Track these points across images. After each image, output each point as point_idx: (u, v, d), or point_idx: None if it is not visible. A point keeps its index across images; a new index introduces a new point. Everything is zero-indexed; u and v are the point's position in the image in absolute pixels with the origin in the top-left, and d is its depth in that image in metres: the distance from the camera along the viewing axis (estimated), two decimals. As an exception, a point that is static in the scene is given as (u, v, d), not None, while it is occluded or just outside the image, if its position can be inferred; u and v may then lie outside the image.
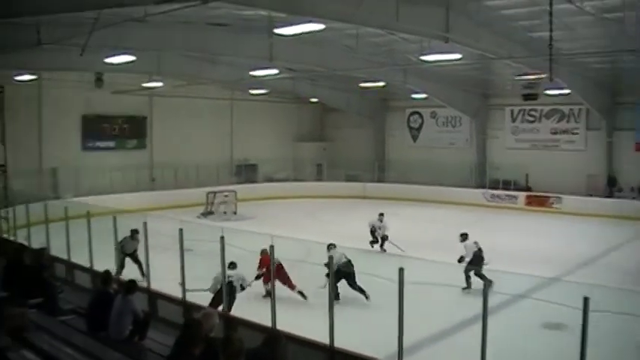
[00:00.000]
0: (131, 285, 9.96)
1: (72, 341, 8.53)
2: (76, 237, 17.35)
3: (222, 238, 12.20)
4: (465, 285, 16.75)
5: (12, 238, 19.62)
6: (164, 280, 13.97)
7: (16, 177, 26.27)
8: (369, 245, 22.88)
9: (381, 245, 23.13)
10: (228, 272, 13.46)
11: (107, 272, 10.68)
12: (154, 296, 13.73)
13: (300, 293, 15.89)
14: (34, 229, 19.08)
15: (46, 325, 9.09)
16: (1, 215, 22.49)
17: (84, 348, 8.34)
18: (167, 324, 12.10)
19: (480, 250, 17.62)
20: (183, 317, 12.18)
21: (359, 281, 15.46)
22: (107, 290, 10.24)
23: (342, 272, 14.99)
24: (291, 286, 15.73)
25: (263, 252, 15.14)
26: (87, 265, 16.04)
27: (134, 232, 17.13)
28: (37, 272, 11.60)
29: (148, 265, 14.05)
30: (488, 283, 14.82)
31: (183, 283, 13.13)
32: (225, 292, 13.01)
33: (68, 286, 14.81)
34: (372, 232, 23.43)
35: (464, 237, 18.18)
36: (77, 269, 16.63)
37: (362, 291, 15.64)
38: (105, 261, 14.22)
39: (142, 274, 15.33)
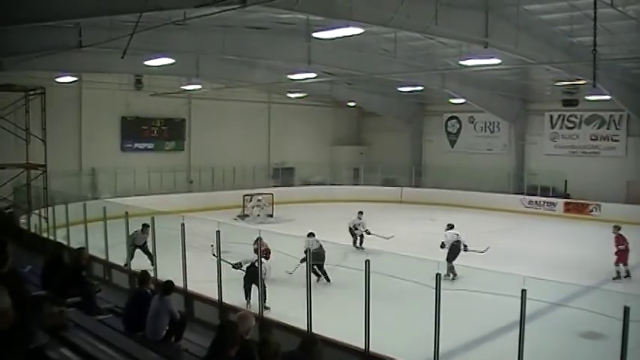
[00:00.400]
0: (168, 286, 10.04)
1: (109, 340, 8.59)
2: (114, 237, 17.55)
3: (259, 239, 12.22)
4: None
5: (51, 238, 19.88)
6: (200, 281, 14.06)
7: (56, 177, 26.59)
8: (353, 246, 23.98)
9: (360, 243, 24.33)
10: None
11: (145, 272, 10.77)
12: (191, 297, 13.81)
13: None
14: (72, 229, 19.32)
15: (83, 324, 9.17)
16: (40, 215, 22.82)
17: (121, 347, 8.39)
18: (203, 325, 12.20)
19: (458, 241, 19.48)
20: (219, 319, 12.26)
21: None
22: (144, 290, 10.33)
23: (314, 255, 15.80)
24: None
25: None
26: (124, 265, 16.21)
27: (145, 225, 18.01)
28: (75, 271, 11.74)
29: (185, 267, 14.13)
30: (451, 276, 18.47)
31: (220, 286, 13.19)
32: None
33: (106, 285, 15.00)
34: (352, 231, 24.46)
35: (449, 227, 20.30)
36: (115, 269, 16.81)
37: (326, 276, 17.69)
38: (141, 261, 14.34)
39: (152, 263, 15.98)
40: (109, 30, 18.32)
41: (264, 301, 13.37)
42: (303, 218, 30.79)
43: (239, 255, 17.44)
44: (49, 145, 24.38)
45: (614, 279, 19.32)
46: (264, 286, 13.61)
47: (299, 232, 17.33)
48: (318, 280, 17.44)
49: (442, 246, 19.60)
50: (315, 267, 17.04)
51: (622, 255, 19.61)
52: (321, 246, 17.54)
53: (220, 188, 35.17)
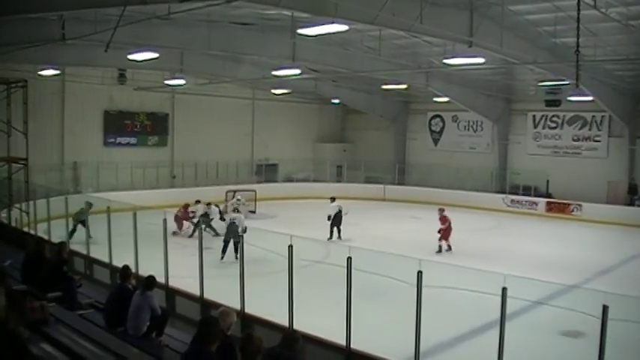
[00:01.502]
0: (150, 281, 10.01)
1: (90, 335, 8.57)
2: (95, 232, 17.48)
3: (241, 236, 12.20)
4: (329, 236, 24.54)
5: (32, 232, 19.77)
6: (182, 277, 14.03)
7: (38, 171, 26.47)
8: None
9: (339, 233, 25.84)
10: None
11: (126, 267, 10.72)
12: (172, 293, 13.77)
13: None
14: (54, 224, 19.22)
15: (65, 318, 9.14)
16: (22, 209, 22.69)
17: (102, 343, 8.38)
18: (185, 320, 12.18)
19: (340, 211, 25.20)
20: (201, 314, 12.24)
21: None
22: (126, 286, 10.29)
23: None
24: None
25: None
26: (106, 260, 16.14)
27: (88, 203, 20.65)
28: (56, 266, 11.68)
29: (166, 262, 14.09)
30: (334, 237, 24.76)
31: (201, 282, 13.17)
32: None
33: (87, 280, 14.93)
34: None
35: (332, 200, 26.08)
36: (96, 264, 16.74)
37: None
38: (124, 256, 14.27)
39: (89, 236, 17.98)
40: (93, 23, 18.21)
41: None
42: (287, 215, 30.82)
43: (220, 250, 17.53)
44: (30, 138, 24.22)
45: (436, 253, 22.45)
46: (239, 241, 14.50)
47: (282, 229, 17.31)
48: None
49: (329, 218, 25.05)
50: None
51: (445, 233, 22.84)
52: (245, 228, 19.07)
53: (204, 184, 35.05)
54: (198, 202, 26.15)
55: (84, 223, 19.54)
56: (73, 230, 19.99)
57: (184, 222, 24.88)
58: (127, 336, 9.41)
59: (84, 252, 17.22)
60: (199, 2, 13.82)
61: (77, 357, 7.72)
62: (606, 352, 7.69)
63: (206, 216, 24.78)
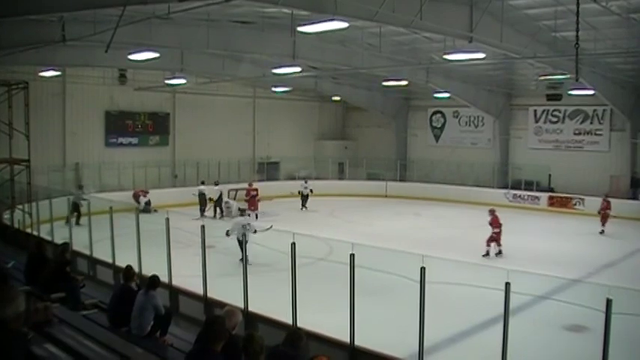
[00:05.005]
0: (153, 280, 10.01)
1: (94, 336, 8.57)
2: (98, 232, 17.49)
3: (243, 235, 12.22)
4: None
5: (35, 233, 19.78)
6: (185, 276, 14.04)
7: (40, 172, 26.49)
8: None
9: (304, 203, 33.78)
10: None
11: (129, 268, 10.72)
12: (176, 292, 13.78)
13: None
14: (56, 225, 19.24)
15: (68, 319, 9.15)
16: (24, 210, 22.70)
17: (106, 343, 8.37)
18: (188, 320, 12.19)
19: (203, 194, 30.14)
20: (205, 313, 12.25)
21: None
22: (129, 286, 10.30)
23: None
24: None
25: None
26: (109, 260, 16.14)
27: (80, 186, 28.46)
28: (59, 267, 11.70)
29: (170, 262, 14.09)
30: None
31: (205, 281, 13.18)
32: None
33: (90, 280, 14.94)
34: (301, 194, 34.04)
35: (202, 182, 30.93)
36: (99, 264, 16.75)
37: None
38: (127, 256, 14.28)
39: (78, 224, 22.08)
40: (93, 24, 18.22)
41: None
42: (289, 213, 30.82)
43: (224, 249, 17.52)
44: (32, 140, 24.21)
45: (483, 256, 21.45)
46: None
47: (285, 227, 17.32)
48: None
49: (210, 200, 30.20)
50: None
51: (498, 235, 21.75)
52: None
53: (206, 183, 35.08)
54: (202, 182, 31.11)
55: (77, 207, 24.04)
56: (73, 211, 23.27)
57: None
58: (131, 336, 9.42)
59: (87, 252, 17.22)
60: (199, 1, 13.81)
61: (81, 357, 7.72)
62: (610, 346, 7.69)
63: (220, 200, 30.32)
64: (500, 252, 21.63)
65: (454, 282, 16.03)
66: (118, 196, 27.68)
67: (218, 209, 30.23)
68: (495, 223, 21.81)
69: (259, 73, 30.68)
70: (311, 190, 34.25)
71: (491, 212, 22.23)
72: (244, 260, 13.96)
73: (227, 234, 18.71)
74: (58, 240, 16.41)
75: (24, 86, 23.96)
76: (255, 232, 18.90)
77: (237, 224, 19.18)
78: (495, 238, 21.70)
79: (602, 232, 26.78)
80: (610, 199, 27.84)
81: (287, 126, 43.44)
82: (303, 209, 33.51)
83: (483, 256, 21.33)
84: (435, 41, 23.68)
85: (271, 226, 18.02)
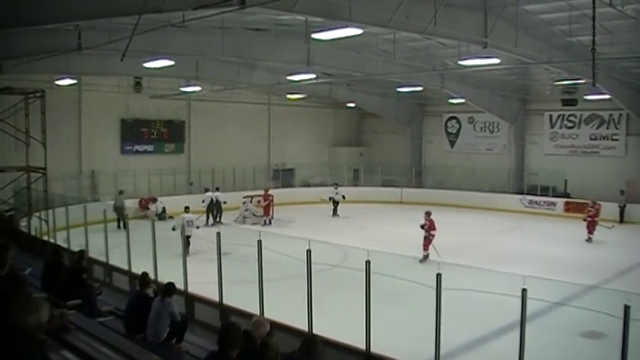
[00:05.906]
0: (169, 287, 10.03)
1: (110, 342, 8.59)
2: (114, 239, 17.56)
3: (259, 241, 12.22)
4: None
5: (51, 240, 19.89)
6: (201, 283, 14.06)
7: (56, 180, 26.62)
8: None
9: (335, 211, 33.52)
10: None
11: (145, 275, 10.76)
12: (191, 299, 13.81)
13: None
14: (73, 232, 19.34)
15: (84, 326, 9.17)
16: (41, 217, 22.83)
17: (122, 350, 8.39)
18: (204, 327, 12.20)
19: (212, 199, 30.19)
20: (220, 320, 12.26)
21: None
22: (145, 293, 10.33)
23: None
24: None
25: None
26: (125, 267, 16.21)
27: (121, 191, 28.71)
28: (75, 274, 11.75)
29: (185, 269, 14.12)
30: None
31: (220, 288, 13.18)
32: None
33: (106, 287, 14.99)
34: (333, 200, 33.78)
35: (206, 190, 31.22)
36: (115, 271, 16.81)
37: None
38: (143, 263, 14.32)
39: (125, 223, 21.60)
40: (108, 32, 18.35)
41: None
42: (304, 220, 30.82)
43: (239, 256, 17.54)
44: (48, 148, 24.32)
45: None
46: None
47: (300, 234, 17.35)
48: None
49: (203, 201, 29.83)
50: None
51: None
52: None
53: (221, 190, 35.15)
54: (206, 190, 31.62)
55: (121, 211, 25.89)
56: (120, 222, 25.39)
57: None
58: (147, 343, 9.44)
59: (103, 259, 17.29)
60: (214, 9, 13.84)
61: (98, 364, 7.76)
62: (629, 352, 7.62)
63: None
64: (427, 256, 20.97)
65: (470, 288, 15.97)
66: (134, 203, 27.78)
67: (210, 215, 30.21)
68: (432, 226, 21.41)
69: (274, 81, 30.76)
70: (343, 196, 33.95)
71: (428, 214, 21.81)
72: (183, 252, 15.06)
73: (173, 229, 19.62)
74: (75, 247, 16.50)
75: (40, 95, 24.12)
76: (198, 227, 22.12)
77: (181, 220, 20.74)
78: (430, 241, 21.18)
79: (589, 239, 25.90)
80: (600, 204, 27.66)
81: (302, 133, 43.50)
82: (335, 216, 33.24)
83: (420, 261, 20.75)
84: (450, 47, 23.63)
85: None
